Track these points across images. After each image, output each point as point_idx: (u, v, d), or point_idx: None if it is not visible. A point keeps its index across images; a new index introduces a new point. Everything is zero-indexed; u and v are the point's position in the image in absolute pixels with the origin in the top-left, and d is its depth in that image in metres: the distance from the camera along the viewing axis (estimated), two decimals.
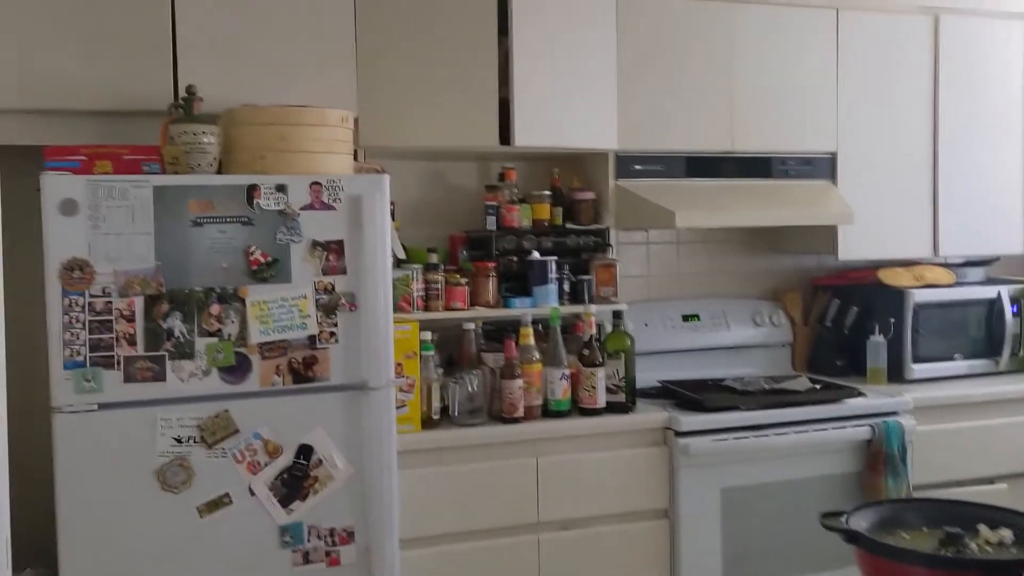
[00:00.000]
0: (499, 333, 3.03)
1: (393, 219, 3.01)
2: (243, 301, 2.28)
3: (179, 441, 2.25)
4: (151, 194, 2.21)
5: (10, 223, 1.90)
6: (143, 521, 2.23)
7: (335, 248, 2.36)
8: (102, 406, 2.19)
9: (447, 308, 2.92)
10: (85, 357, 2.17)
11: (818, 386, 3.18)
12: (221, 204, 2.26)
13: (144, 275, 2.21)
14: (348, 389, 2.38)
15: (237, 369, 2.28)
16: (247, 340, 2.29)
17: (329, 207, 2.35)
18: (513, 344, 2.81)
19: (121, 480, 2.21)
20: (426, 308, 2.90)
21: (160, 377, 2.23)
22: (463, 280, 2.94)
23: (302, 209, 2.33)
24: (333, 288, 2.36)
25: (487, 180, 3.28)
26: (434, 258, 3.02)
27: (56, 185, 2.15)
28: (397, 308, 2.82)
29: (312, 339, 2.34)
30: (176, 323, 2.24)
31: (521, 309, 2.96)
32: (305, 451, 2.35)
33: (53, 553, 2.19)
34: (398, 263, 2.97)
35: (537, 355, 2.85)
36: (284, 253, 2.31)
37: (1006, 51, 3.60)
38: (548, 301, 2.99)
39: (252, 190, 2.29)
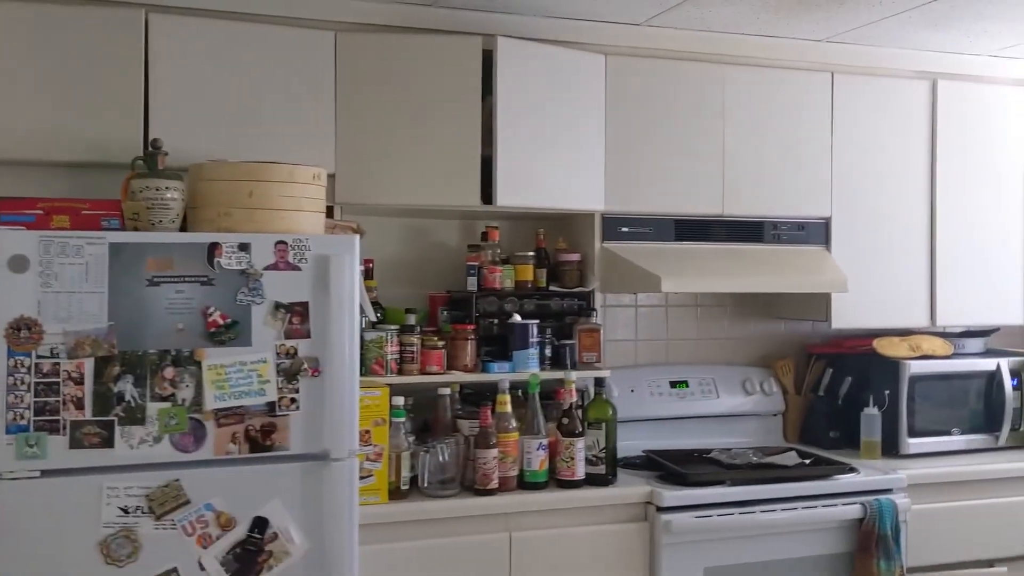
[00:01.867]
0: (477, 398, 2.92)
1: (370, 277, 2.95)
2: (199, 364, 2.18)
3: (125, 511, 2.13)
4: (107, 251, 2.12)
5: None
6: None
7: (299, 310, 2.26)
8: (45, 473, 2.08)
9: (423, 372, 2.81)
10: (29, 421, 2.07)
11: (808, 460, 3.04)
12: (180, 262, 2.17)
13: (95, 336, 2.11)
14: (308, 459, 2.27)
15: (190, 436, 2.17)
16: (202, 406, 2.18)
17: (294, 267, 2.26)
18: (489, 412, 2.70)
19: (62, 551, 2.09)
20: (400, 371, 2.79)
21: (108, 443, 2.12)
22: (440, 343, 2.84)
23: (266, 269, 2.23)
24: (296, 352, 2.26)
25: (470, 239, 3.19)
26: (412, 319, 2.92)
27: (6, 240, 2.06)
28: (369, 371, 2.72)
29: (272, 405, 2.23)
30: (127, 387, 2.13)
31: (500, 374, 2.85)
32: (260, 524, 2.22)
33: None
34: (373, 324, 2.87)
35: (514, 423, 2.74)
36: (245, 315, 2.22)
37: (1005, 117, 3.52)
38: (528, 366, 2.88)
39: (214, 248, 2.19)
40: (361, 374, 2.66)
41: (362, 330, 2.75)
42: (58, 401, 2.08)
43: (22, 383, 2.06)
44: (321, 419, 2.27)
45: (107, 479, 2.11)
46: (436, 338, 2.86)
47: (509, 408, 2.74)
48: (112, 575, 2.11)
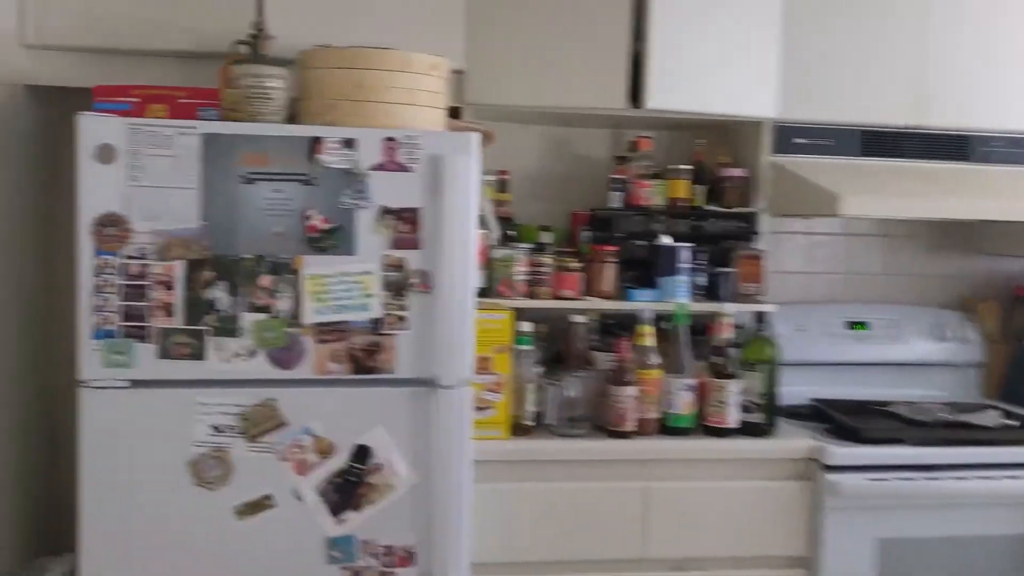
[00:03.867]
0: (616, 329, 2.59)
1: (505, 191, 2.65)
2: (298, 274, 1.95)
3: (218, 430, 1.95)
4: (199, 143, 1.91)
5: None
6: (172, 517, 1.94)
7: (408, 217, 1.99)
8: (134, 383, 1.92)
9: (555, 296, 2.50)
10: (116, 326, 1.90)
11: (1015, 422, 2.54)
12: (278, 158, 1.93)
13: (186, 237, 1.91)
14: (416, 384, 2.01)
15: (288, 352, 1.96)
16: (301, 319, 1.95)
17: (404, 168, 1.98)
18: (628, 344, 2.36)
19: (151, 469, 1.93)
20: (530, 295, 2.49)
21: (199, 355, 1.93)
22: (576, 265, 2.51)
23: (372, 169, 1.97)
24: (404, 264, 1.99)
25: (618, 151, 2.83)
26: (547, 238, 2.61)
27: (93, 127, 1.88)
28: (496, 293, 2.43)
29: (376, 323, 1.98)
30: (221, 294, 1.93)
31: (642, 303, 2.50)
32: (362, 453, 2.00)
33: (73, 541, 1.94)
34: (502, 242, 2.58)
35: (656, 359, 2.39)
36: (348, 220, 1.96)
37: None
38: (676, 295, 2.51)
39: (315, 143, 1.94)
40: (486, 295, 2.39)
41: (490, 246, 2.47)
42: (146, 307, 1.91)
43: (109, 285, 1.90)
44: (431, 341, 2.00)
45: (199, 393, 1.94)
46: (572, 259, 2.53)
47: (652, 342, 2.39)
48: (201, 497, 1.94)
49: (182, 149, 1.90)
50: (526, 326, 2.36)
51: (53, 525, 2.47)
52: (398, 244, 1.99)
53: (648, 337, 2.39)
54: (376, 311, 1.98)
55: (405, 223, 1.99)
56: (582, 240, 2.73)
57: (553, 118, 2.72)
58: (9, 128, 2.28)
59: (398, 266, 1.99)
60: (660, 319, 2.52)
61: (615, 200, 2.64)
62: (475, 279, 2.06)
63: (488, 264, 2.46)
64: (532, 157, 2.83)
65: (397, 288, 1.99)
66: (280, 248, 1.94)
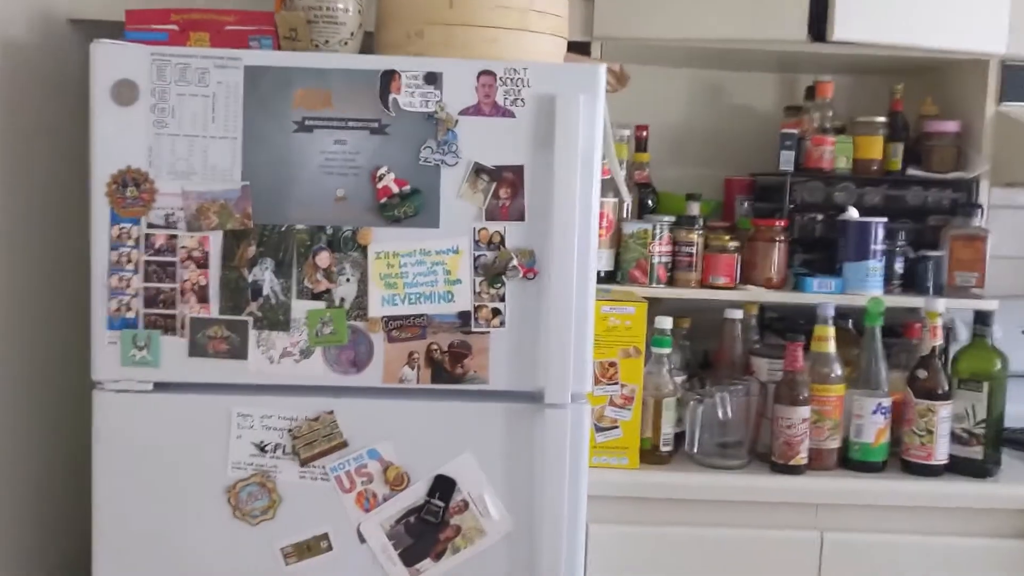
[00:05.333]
0: (784, 328, 2.04)
1: (643, 150, 2.13)
2: (364, 250, 1.49)
3: (262, 449, 1.52)
4: (241, 78, 1.47)
5: None
6: (204, 555, 1.53)
7: (510, 178, 1.49)
8: (158, 386, 1.51)
9: (704, 284, 1.96)
10: (138, 314, 1.50)
11: None
12: (342, 99, 1.47)
13: (225, 200, 1.48)
14: (516, 399, 1.53)
15: (350, 351, 1.51)
16: (367, 310, 1.50)
17: (506, 112, 1.49)
18: (800, 349, 1.80)
19: (179, 495, 1.53)
20: (671, 282, 1.96)
21: (240, 353, 1.50)
22: (733, 244, 1.96)
23: (463, 114, 1.48)
24: (503, 241, 1.50)
25: (790, 99, 2.25)
26: (694, 208, 2.07)
27: (109, 59, 1.47)
28: (627, 278, 1.92)
29: (465, 317, 1.51)
30: (267, 275, 1.50)
31: (821, 295, 1.92)
32: (444, 486, 1.53)
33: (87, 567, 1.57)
34: (643, 213, 2.06)
35: (839, 370, 1.82)
36: (431, 181, 1.49)
37: None
38: (867, 286, 1.93)
39: (389, 79, 1.47)
40: (614, 281, 1.89)
41: (619, 219, 1.96)
42: (175, 290, 1.49)
43: (128, 261, 1.49)
44: (536, 343, 1.51)
45: (238, 402, 1.51)
46: (727, 237, 1.98)
47: (833, 347, 1.82)
48: (240, 533, 1.52)
49: (221, 86, 1.47)
50: (665, 323, 1.83)
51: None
52: (495, 214, 1.50)
53: (828, 341, 1.82)
54: (465, 302, 1.50)
55: (505, 186, 1.49)
56: (740, 213, 2.17)
57: (706, 57, 2.16)
58: (53, 67, 1.91)
59: (495, 243, 1.50)
60: (843, 317, 1.94)
61: (785, 162, 2.06)
62: (596, 262, 1.55)
63: (617, 242, 1.95)
64: (678, 108, 2.28)
65: (493, 272, 1.50)
66: (343, 217, 1.49)
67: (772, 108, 2.27)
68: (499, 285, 1.51)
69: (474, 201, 1.49)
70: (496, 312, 1.51)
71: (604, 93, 1.51)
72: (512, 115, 1.49)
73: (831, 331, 1.82)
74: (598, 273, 1.90)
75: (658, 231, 1.93)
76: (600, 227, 1.91)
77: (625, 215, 2.03)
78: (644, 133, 2.19)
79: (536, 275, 1.51)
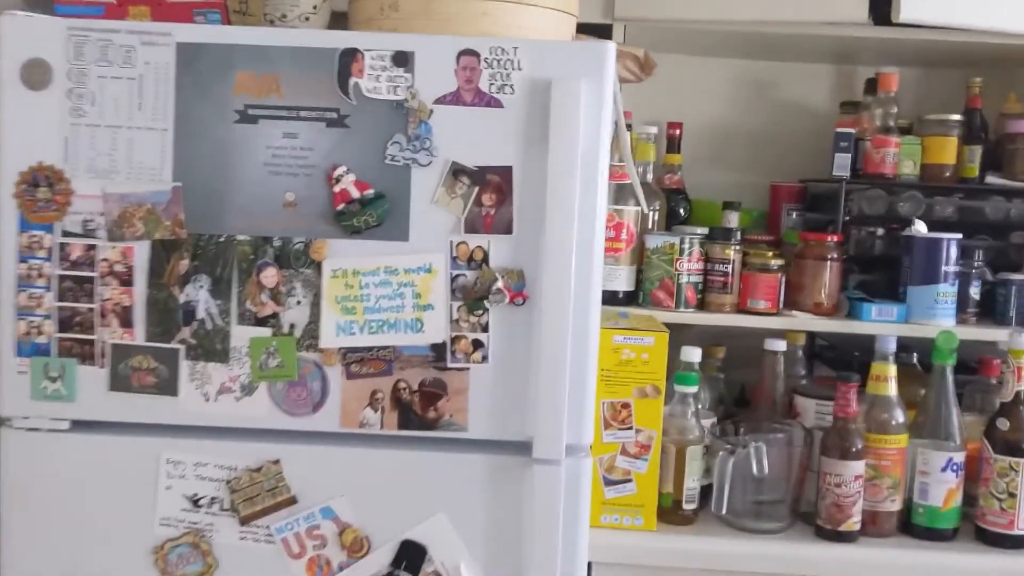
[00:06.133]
0: (834, 359, 1.75)
1: (675, 150, 1.86)
2: (318, 267, 1.23)
3: (195, 504, 1.27)
4: (173, 58, 1.22)
5: None
6: None
7: (496, 182, 1.22)
8: (75, 424, 1.27)
9: (741, 308, 1.66)
10: (50, 339, 1.26)
11: None
12: (293, 83, 1.22)
13: (152, 204, 1.24)
14: (501, 451, 1.26)
15: (302, 389, 1.25)
16: (320, 338, 1.24)
17: (492, 101, 1.22)
18: (854, 392, 1.49)
19: (99, 552, 1.28)
20: (701, 305, 1.67)
21: (169, 388, 1.25)
22: (775, 262, 1.67)
23: (438, 102, 1.22)
24: (486, 258, 1.23)
25: (846, 94, 1.95)
26: (731, 219, 1.78)
27: (18, 33, 1.23)
28: (648, 300, 1.64)
29: (439, 351, 1.24)
30: (202, 295, 1.25)
31: (880, 324, 1.62)
32: (412, 554, 1.27)
33: None
34: (673, 223, 1.79)
35: (901, 417, 1.51)
36: (399, 184, 1.23)
37: None
38: (936, 315, 1.62)
39: (350, 60, 1.21)
40: (636, 303, 1.61)
41: (641, 231, 1.68)
42: (93, 311, 1.25)
43: (39, 275, 1.25)
44: (524, 382, 1.24)
45: (168, 447, 1.26)
46: (771, 253, 1.69)
47: (894, 389, 1.51)
48: None
49: (149, 68, 1.22)
50: (692, 355, 1.54)
51: None
52: (477, 225, 1.23)
53: (887, 382, 1.51)
54: (439, 332, 1.24)
55: (490, 191, 1.22)
56: (787, 225, 1.89)
57: (749, 45, 1.87)
58: None
59: (477, 260, 1.23)
60: (907, 349, 1.64)
61: (840, 166, 1.76)
62: (600, 284, 1.27)
63: (640, 258, 1.67)
64: (717, 104, 2.00)
65: (474, 296, 1.23)
66: (293, 226, 1.23)
67: (827, 105, 1.97)
68: (481, 312, 1.24)
69: (452, 209, 1.23)
70: (477, 345, 1.24)
71: (614, 78, 1.24)
72: (499, 104, 1.22)
73: (892, 370, 1.51)
74: (616, 295, 1.63)
75: (687, 246, 1.65)
76: (619, 240, 1.64)
77: (651, 226, 1.75)
78: (677, 132, 1.92)
79: (526, 300, 1.23)
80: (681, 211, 1.87)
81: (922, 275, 1.64)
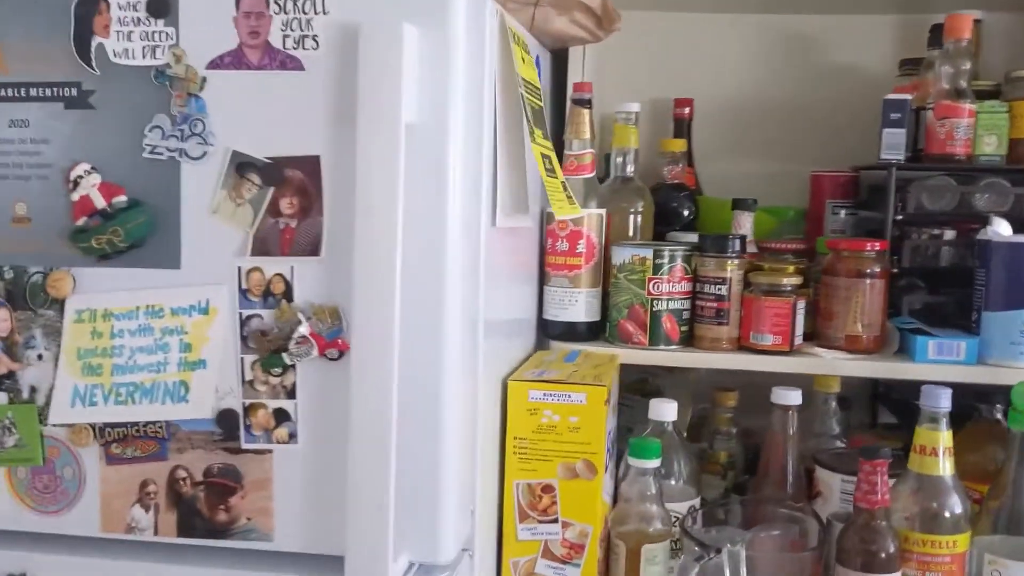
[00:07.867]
0: (898, 405, 1.28)
1: (684, 135, 1.44)
2: (61, 306, 0.88)
3: None
4: None
5: None
6: None
7: (298, 180, 0.84)
8: None
9: (743, 344, 1.21)
10: None
11: None
12: (17, 53, 0.87)
13: None
14: (319, 568, 0.87)
15: (49, 477, 0.90)
16: (50, 410, 0.88)
17: (287, 62, 0.83)
18: (883, 471, 1.02)
19: None
20: (687, 340, 1.22)
21: None
22: (790, 281, 1.20)
23: (212, 67, 0.84)
24: (288, 291, 0.84)
25: (905, 50, 1.46)
26: (743, 223, 1.33)
27: None
28: (615, 334, 1.22)
29: (229, 425, 0.86)
30: None
31: (937, 364, 1.14)
32: None
33: None
34: (666, 227, 1.37)
35: (958, 506, 1.03)
36: (163, 186, 0.86)
37: None
38: (1018, 355, 1.12)
39: (91, 14, 0.85)
40: (599, 337, 1.20)
41: (603, 242, 1.26)
42: None
43: None
44: (345, 470, 0.84)
45: None
46: (792, 267, 1.23)
47: (947, 467, 1.03)
48: None
49: None
50: (663, 412, 1.11)
51: None
52: (273, 244, 0.84)
53: (937, 457, 1.03)
54: (209, 400, 0.86)
55: (291, 194, 0.84)
56: (832, 227, 1.42)
57: None
58: None
59: (276, 295, 0.85)
60: (985, 400, 1.16)
61: (890, 146, 1.27)
62: (480, 322, 0.86)
63: (604, 278, 1.25)
64: (740, 73, 1.54)
65: (270, 348, 0.85)
66: (26, 250, 0.88)
67: (880, 66, 1.48)
68: (281, 370, 0.85)
69: (238, 221, 0.85)
70: (282, 417, 0.86)
71: (466, 22, 0.83)
72: (298, 66, 0.83)
73: (944, 437, 1.03)
74: (573, 327, 1.22)
75: (664, 260, 1.21)
76: (575, 254, 1.23)
77: (633, 234, 1.32)
78: (687, 110, 1.50)
79: (344, 353, 0.84)
80: (685, 212, 1.43)
81: (1004, 297, 1.14)
